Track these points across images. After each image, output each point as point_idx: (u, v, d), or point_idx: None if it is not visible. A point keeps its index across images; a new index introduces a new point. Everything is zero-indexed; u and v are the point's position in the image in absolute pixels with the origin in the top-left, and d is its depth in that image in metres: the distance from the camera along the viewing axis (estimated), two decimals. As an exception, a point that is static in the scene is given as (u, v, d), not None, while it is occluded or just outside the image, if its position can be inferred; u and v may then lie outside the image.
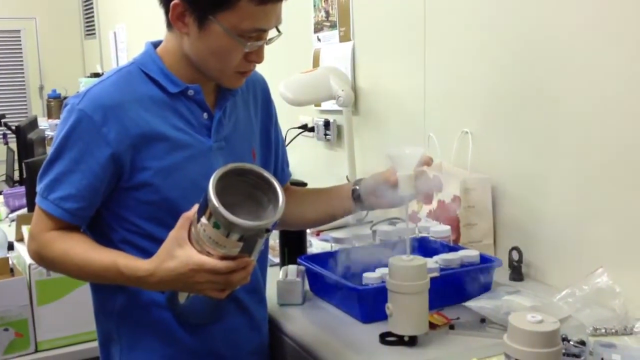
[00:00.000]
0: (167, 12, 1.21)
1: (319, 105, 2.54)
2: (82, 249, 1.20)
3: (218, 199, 1.04)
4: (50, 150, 1.23)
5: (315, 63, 2.56)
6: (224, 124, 1.30)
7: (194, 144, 1.25)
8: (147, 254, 1.17)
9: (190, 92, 1.25)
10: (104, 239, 1.26)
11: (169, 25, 1.24)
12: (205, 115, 1.27)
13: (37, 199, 1.22)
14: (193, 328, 1.28)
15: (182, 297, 1.19)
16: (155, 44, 1.30)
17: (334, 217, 1.49)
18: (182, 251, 1.09)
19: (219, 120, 1.28)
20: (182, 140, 1.24)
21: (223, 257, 1.08)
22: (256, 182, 1.13)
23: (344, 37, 2.40)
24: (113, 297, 1.29)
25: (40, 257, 1.24)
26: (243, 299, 1.33)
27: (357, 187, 1.38)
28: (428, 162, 1.31)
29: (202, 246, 1.08)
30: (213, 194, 1.04)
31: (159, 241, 1.14)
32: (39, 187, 1.22)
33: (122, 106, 1.20)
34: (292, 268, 1.56)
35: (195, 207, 1.10)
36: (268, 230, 1.09)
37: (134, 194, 1.22)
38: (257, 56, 1.23)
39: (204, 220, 1.07)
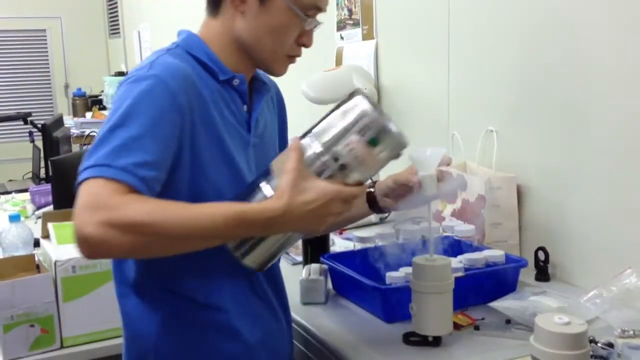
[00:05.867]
0: None
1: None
2: (175, 206, 0.99)
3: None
4: (106, 124, 1.03)
5: (338, 61, 2.55)
6: (260, 120, 1.25)
7: (237, 136, 1.19)
8: None
9: (236, 82, 1.19)
10: None
11: (215, 9, 1.19)
12: (245, 107, 1.22)
13: (94, 171, 0.97)
14: (236, 342, 1.20)
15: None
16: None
17: (348, 220, 1.46)
18: (312, 183, 1.02)
19: (258, 116, 1.24)
20: (229, 130, 1.17)
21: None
22: None
23: (367, 35, 2.39)
24: (149, 319, 1.18)
25: (113, 226, 0.93)
26: (277, 305, 1.28)
27: (372, 190, 1.36)
28: (448, 162, 1.30)
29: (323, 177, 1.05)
30: (379, 110, 1.02)
31: None
32: (95, 159, 0.98)
33: (191, 80, 1.11)
34: (315, 267, 1.56)
35: (297, 143, 1.05)
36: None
37: (176, 175, 1.09)
38: (308, 39, 1.21)
39: (354, 137, 1.02)
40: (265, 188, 1.06)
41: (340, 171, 1.04)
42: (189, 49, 1.17)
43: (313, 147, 1.05)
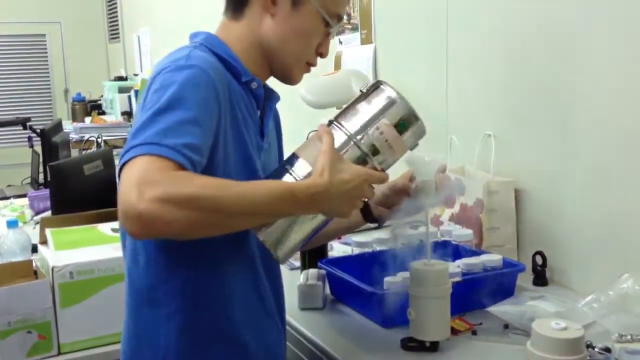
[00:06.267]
0: None
1: (340, 108, 2.53)
2: (227, 181, 0.99)
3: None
4: (148, 109, 0.99)
5: (337, 66, 2.55)
6: (269, 127, 1.25)
7: (254, 139, 1.18)
8: None
9: (254, 85, 1.18)
10: None
11: (238, 11, 1.18)
12: (258, 112, 1.21)
13: (141, 149, 0.93)
14: (242, 353, 1.17)
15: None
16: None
17: (339, 231, 1.46)
18: (347, 165, 1.05)
19: (268, 123, 1.24)
20: (249, 132, 1.16)
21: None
22: None
23: (366, 40, 2.40)
24: (159, 328, 1.15)
25: (168, 201, 0.89)
26: (275, 310, 1.25)
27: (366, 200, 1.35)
28: (444, 169, 1.30)
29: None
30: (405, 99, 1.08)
31: None
32: (142, 138, 0.95)
33: (223, 76, 1.10)
34: (312, 272, 1.55)
35: (327, 127, 1.09)
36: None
37: (209, 167, 1.05)
38: (326, 49, 1.23)
39: (385, 121, 1.08)
40: (295, 172, 1.08)
41: (368, 155, 1.08)
42: (213, 47, 1.15)
43: (342, 132, 1.10)
